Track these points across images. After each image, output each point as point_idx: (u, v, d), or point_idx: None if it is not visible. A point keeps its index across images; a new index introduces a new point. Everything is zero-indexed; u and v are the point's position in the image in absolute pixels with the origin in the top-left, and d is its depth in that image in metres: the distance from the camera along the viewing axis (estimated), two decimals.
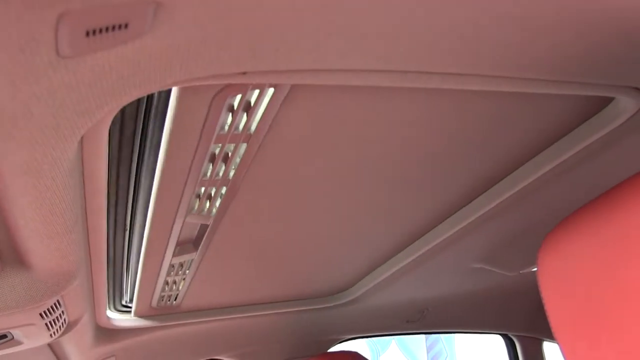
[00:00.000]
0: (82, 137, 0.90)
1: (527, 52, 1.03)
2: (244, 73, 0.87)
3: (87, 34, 0.64)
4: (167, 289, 2.05)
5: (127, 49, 0.69)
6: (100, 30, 0.64)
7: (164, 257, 1.73)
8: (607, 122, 1.34)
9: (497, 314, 3.16)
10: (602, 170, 1.49)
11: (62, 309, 1.46)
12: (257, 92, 1.09)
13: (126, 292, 2.22)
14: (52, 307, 1.40)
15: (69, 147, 0.86)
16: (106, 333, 2.14)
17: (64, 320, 1.55)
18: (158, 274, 1.88)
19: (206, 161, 1.26)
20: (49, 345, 1.79)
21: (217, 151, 1.25)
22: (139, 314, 2.31)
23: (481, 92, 1.24)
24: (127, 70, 0.75)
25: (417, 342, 7.61)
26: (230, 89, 1.02)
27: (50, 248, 1.13)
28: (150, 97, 1.16)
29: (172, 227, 1.54)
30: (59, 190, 0.96)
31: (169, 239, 1.61)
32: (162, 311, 2.34)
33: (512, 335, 3.32)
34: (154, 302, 2.21)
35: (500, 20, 0.92)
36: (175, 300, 2.23)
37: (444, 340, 7.44)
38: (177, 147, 1.17)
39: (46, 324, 1.48)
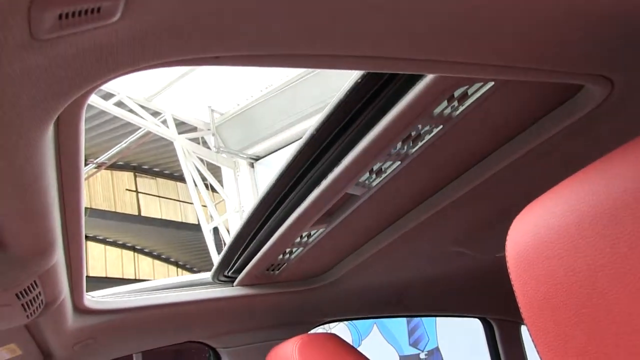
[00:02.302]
0: (57, 119, 0.91)
1: (497, 39, 1.04)
2: (217, 57, 0.88)
3: (60, 16, 0.65)
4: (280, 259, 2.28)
5: (99, 32, 0.70)
6: (73, 14, 0.65)
7: (303, 228, 1.93)
8: (577, 109, 1.36)
9: (475, 298, 3.19)
10: (573, 154, 1.51)
11: (39, 289, 1.46)
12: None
13: (235, 263, 2.44)
14: (28, 287, 1.39)
15: (44, 128, 0.87)
16: (85, 315, 2.14)
17: (41, 301, 1.55)
18: (288, 244, 2.09)
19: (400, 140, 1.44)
20: (26, 326, 1.79)
21: (413, 133, 1.43)
22: (241, 284, 2.54)
23: None
24: (100, 53, 0.75)
25: (399, 326, 7.64)
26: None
27: (25, 228, 1.14)
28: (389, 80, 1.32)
29: (333, 197, 1.71)
30: (34, 170, 0.97)
31: (322, 209, 1.79)
32: (261, 280, 2.53)
33: (490, 318, 3.35)
34: (259, 272, 2.41)
35: (471, 9, 0.93)
36: (277, 270, 2.43)
37: (425, 325, 7.48)
38: (391, 125, 1.35)
39: (22, 305, 1.47)
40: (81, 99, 0.90)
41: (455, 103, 1.35)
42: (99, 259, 18.73)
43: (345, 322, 7.64)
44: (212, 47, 0.85)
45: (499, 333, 3.33)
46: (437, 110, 1.35)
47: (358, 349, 2.32)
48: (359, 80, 1.35)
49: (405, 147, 1.50)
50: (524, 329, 3.31)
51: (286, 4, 0.80)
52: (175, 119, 9.59)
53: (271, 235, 2.07)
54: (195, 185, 9.71)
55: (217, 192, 10.13)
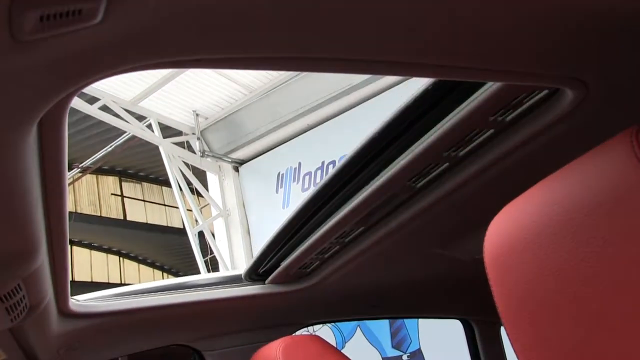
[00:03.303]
0: (40, 121, 0.92)
1: (473, 42, 1.06)
2: (199, 60, 0.90)
3: (41, 18, 0.66)
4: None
5: (81, 34, 0.72)
6: (55, 16, 0.67)
7: (345, 226, 2.00)
8: (551, 112, 1.38)
9: (455, 300, 3.21)
10: (549, 157, 1.53)
11: (23, 293, 1.46)
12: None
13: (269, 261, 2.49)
14: (12, 291, 1.40)
15: (26, 131, 0.88)
16: (70, 319, 2.14)
17: (25, 304, 1.55)
18: (326, 243, 2.14)
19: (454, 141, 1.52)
20: (10, 330, 1.79)
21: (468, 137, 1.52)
22: (273, 282, 2.60)
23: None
24: (82, 55, 0.77)
25: (382, 328, 7.65)
26: None
27: (8, 230, 1.15)
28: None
29: (380, 197, 1.80)
30: (16, 173, 0.98)
31: (367, 209, 1.87)
32: (292, 279, 2.58)
33: (471, 320, 3.37)
34: (292, 271, 2.47)
35: (446, 11, 0.95)
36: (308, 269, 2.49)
37: (407, 327, 7.49)
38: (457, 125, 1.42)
39: (6, 308, 1.47)
40: (64, 101, 0.91)
41: None
42: (85, 263, 18.65)
43: (329, 325, 7.64)
44: (194, 49, 0.86)
45: (479, 334, 3.34)
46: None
47: (342, 351, 2.34)
48: (429, 87, 1.40)
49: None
50: (503, 330, 3.32)
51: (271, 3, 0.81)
52: (160, 123, 9.56)
53: (312, 233, 2.14)
54: (180, 189, 9.69)
55: (202, 196, 10.11)
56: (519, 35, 1.07)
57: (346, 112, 8.28)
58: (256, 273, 2.60)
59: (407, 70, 1.14)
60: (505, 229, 1.07)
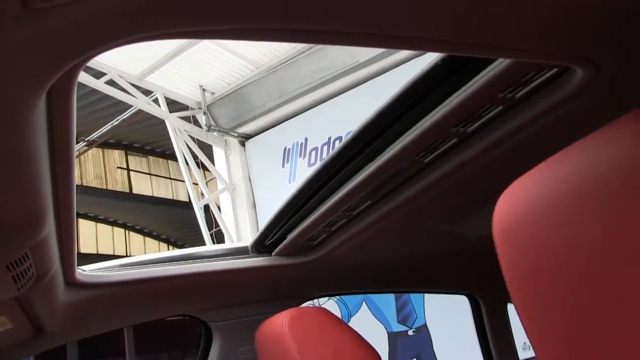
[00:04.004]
0: (49, 92, 0.92)
1: (483, 18, 1.06)
2: (206, 31, 0.89)
3: None
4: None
5: (91, 3, 0.72)
6: None
7: (352, 199, 2.01)
8: (562, 90, 1.37)
9: (462, 275, 3.22)
10: (558, 135, 1.53)
11: (30, 262, 1.47)
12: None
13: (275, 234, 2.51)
14: (19, 259, 1.40)
15: (35, 100, 0.88)
16: (76, 289, 2.15)
17: (32, 273, 1.56)
18: (333, 215, 2.16)
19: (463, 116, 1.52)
20: (17, 299, 1.80)
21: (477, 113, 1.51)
22: (280, 254, 2.63)
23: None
24: (91, 24, 0.77)
25: (387, 303, 7.68)
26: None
27: (15, 199, 1.15)
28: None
29: (388, 171, 1.80)
30: (24, 141, 0.98)
31: (375, 182, 1.88)
32: (299, 251, 2.61)
33: (477, 296, 3.38)
34: (299, 243, 2.49)
35: None
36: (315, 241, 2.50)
37: (413, 302, 7.52)
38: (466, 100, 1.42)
39: (13, 277, 1.48)
40: (72, 71, 0.91)
41: None
42: (90, 235, 18.74)
43: (335, 299, 7.67)
44: (203, 20, 0.86)
45: (486, 310, 3.36)
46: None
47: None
48: (439, 62, 1.40)
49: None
50: (510, 307, 3.34)
51: None
52: (166, 98, 9.56)
53: (319, 206, 2.15)
54: (187, 163, 9.69)
55: (208, 170, 10.12)
56: (531, 13, 1.06)
57: (353, 88, 8.27)
58: (263, 245, 2.61)
59: (415, 44, 1.14)
60: (514, 204, 1.07)
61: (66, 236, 1.60)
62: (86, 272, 2.24)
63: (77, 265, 2.02)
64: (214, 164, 10.07)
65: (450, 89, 1.45)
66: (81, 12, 0.73)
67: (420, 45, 1.16)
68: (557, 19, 1.10)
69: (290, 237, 2.42)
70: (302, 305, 2.92)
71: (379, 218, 2.14)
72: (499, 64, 1.30)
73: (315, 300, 3.49)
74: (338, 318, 2.33)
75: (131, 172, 18.67)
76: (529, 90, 1.41)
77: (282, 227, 2.41)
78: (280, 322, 2.19)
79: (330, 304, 7.49)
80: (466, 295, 3.46)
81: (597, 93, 1.37)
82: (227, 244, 8.88)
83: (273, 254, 2.61)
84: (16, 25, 0.70)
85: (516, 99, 1.45)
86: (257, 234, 2.58)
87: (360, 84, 8.16)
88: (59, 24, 0.73)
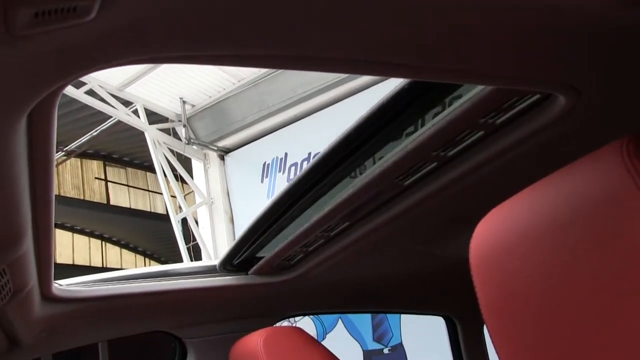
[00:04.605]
0: (30, 112, 0.92)
1: (467, 46, 1.07)
2: (187, 56, 0.90)
3: (36, 14, 0.67)
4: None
5: (74, 30, 0.72)
6: (49, 12, 0.67)
7: (331, 221, 2.01)
8: (543, 116, 1.38)
9: (439, 296, 3.22)
10: (538, 161, 1.54)
11: (8, 277, 1.47)
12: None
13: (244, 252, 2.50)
14: None
15: (16, 121, 0.88)
16: (53, 303, 2.14)
17: (9, 289, 1.56)
18: (311, 236, 2.15)
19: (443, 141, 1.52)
20: None
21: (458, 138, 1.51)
22: (256, 272, 2.61)
23: None
24: (75, 50, 0.77)
25: (363, 321, 7.66)
26: None
27: None
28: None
29: (368, 193, 1.79)
30: (5, 161, 0.98)
31: (354, 203, 1.87)
32: (275, 270, 2.60)
33: (454, 317, 3.38)
34: (276, 262, 2.48)
35: (444, 18, 0.95)
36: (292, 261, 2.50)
37: (389, 320, 7.51)
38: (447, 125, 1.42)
39: None
40: (54, 93, 0.92)
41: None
42: (67, 246, 18.59)
43: (310, 316, 7.65)
44: (184, 46, 0.87)
45: (462, 331, 3.36)
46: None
47: (322, 342, 2.35)
48: (405, 86, 1.41)
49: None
50: (486, 328, 3.34)
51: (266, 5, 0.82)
52: (146, 109, 9.53)
53: (286, 225, 2.18)
54: (165, 176, 9.66)
55: (186, 183, 10.09)
56: (513, 41, 1.07)
57: (334, 104, 8.27)
58: (230, 264, 2.61)
59: (397, 71, 1.15)
60: (492, 232, 1.08)
61: (44, 252, 1.60)
62: (63, 286, 2.23)
63: (53, 278, 2.02)
64: (192, 177, 10.05)
65: (428, 113, 1.46)
66: (63, 38, 0.74)
67: (403, 72, 1.17)
68: (538, 47, 1.11)
69: (267, 256, 2.42)
70: (278, 323, 2.92)
71: (357, 239, 2.14)
72: (481, 90, 1.31)
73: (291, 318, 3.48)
74: (313, 338, 2.33)
75: (109, 183, 18.57)
76: (510, 116, 1.42)
77: (250, 248, 2.41)
78: (255, 341, 2.19)
79: (305, 321, 7.46)
80: (442, 316, 3.46)
81: (578, 119, 1.38)
82: (204, 259, 8.85)
83: (249, 272, 2.60)
84: None
85: (497, 124, 1.45)
86: (224, 254, 2.58)
87: (342, 99, 8.16)
88: (41, 50, 0.74)
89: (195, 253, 9.55)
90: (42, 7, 0.66)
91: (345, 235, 2.16)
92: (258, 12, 0.83)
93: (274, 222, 2.19)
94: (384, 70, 1.13)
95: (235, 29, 0.85)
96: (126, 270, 2.64)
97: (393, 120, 1.53)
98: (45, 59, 0.76)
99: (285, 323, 3.06)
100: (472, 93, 1.34)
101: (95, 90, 8.95)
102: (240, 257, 2.53)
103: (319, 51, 0.99)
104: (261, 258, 2.48)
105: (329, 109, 8.33)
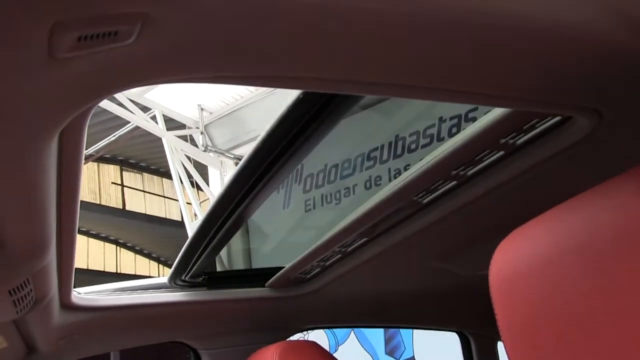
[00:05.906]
0: (63, 128, 0.94)
1: (489, 68, 1.07)
2: (218, 77, 0.92)
3: (79, 39, 0.68)
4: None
5: (114, 52, 0.74)
6: (92, 37, 0.69)
7: (349, 236, 2.01)
8: (564, 139, 1.38)
9: (453, 312, 3.22)
10: (558, 183, 1.54)
11: (31, 287, 1.49)
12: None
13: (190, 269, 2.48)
14: (21, 285, 1.43)
15: (50, 137, 0.90)
16: (71, 311, 2.16)
17: (32, 298, 1.58)
18: (329, 251, 2.17)
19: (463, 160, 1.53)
20: (14, 321, 1.82)
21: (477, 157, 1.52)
22: (272, 285, 2.63)
23: None
24: (110, 70, 0.79)
25: (376, 334, 7.63)
26: None
27: (23, 229, 1.17)
28: None
29: (387, 209, 1.80)
30: (36, 175, 1.00)
31: (373, 220, 1.88)
32: (292, 284, 2.63)
33: (468, 333, 3.38)
34: (292, 276, 2.51)
35: (464, 38, 0.96)
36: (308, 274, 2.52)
37: (402, 334, 7.48)
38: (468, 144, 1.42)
39: (13, 301, 1.51)
40: (87, 111, 0.94)
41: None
42: (81, 251, 18.61)
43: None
44: (215, 68, 0.88)
45: (476, 347, 3.36)
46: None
47: (335, 355, 2.35)
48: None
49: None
50: (500, 345, 3.33)
51: (295, 26, 0.83)
52: (164, 116, 9.58)
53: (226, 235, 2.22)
54: (181, 182, 9.70)
55: (202, 190, 10.11)
56: (534, 64, 1.08)
57: (351, 116, 8.26)
58: (181, 279, 2.60)
59: (418, 93, 1.16)
60: (512, 255, 1.08)
61: (66, 262, 1.62)
62: (81, 295, 2.25)
63: None
64: (208, 184, 10.07)
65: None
66: (102, 60, 0.76)
67: (424, 94, 1.18)
68: (560, 71, 1.11)
69: (283, 269, 2.43)
70: (293, 336, 2.92)
71: (374, 255, 2.15)
72: (502, 110, 1.31)
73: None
74: (328, 352, 2.33)
75: (125, 188, 18.61)
76: (531, 137, 1.42)
77: (196, 262, 2.48)
78: (271, 355, 2.19)
79: (318, 333, 7.45)
80: (456, 332, 3.46)
81: (599, 142, 1.38)
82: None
83: (266, 285, 2.61)
84: (40, 72, 0.72)
85: (517, 145, 1.45)
86: (173, 267, 2.58)
87: (360, 112, 8.14)
88: (79, 71, 0.76)
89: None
90: (86, 31, 0.68)
91: (362, 251, 2.17)
92: (285, 37, 0.85)
93: (212, 237, 2.25)
94: (406, 92, 1.14)
95: (262, 53, 0.87)
96: (144, 280, 2.65)
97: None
98: (81, 79, 0.78)
99: (297, 334, 3.06)
100: (493, 113, 1.34)
101: (115, 96, 9.01)
102: (187, 273, 2.56)
103: (349, 74, 1.01)
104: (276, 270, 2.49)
105: (346, 120, 8.31)
